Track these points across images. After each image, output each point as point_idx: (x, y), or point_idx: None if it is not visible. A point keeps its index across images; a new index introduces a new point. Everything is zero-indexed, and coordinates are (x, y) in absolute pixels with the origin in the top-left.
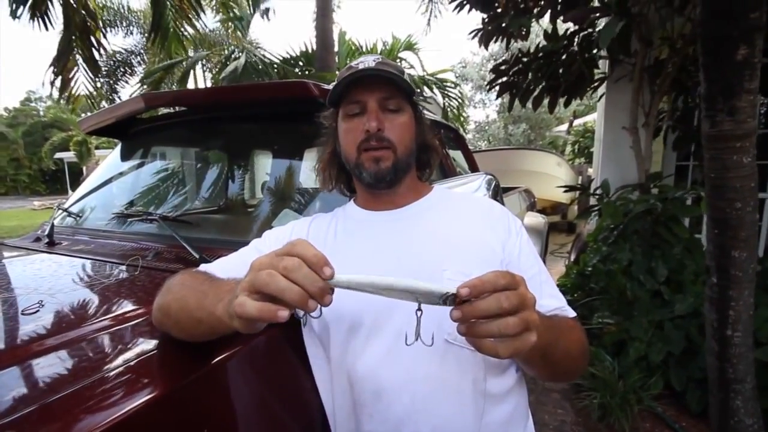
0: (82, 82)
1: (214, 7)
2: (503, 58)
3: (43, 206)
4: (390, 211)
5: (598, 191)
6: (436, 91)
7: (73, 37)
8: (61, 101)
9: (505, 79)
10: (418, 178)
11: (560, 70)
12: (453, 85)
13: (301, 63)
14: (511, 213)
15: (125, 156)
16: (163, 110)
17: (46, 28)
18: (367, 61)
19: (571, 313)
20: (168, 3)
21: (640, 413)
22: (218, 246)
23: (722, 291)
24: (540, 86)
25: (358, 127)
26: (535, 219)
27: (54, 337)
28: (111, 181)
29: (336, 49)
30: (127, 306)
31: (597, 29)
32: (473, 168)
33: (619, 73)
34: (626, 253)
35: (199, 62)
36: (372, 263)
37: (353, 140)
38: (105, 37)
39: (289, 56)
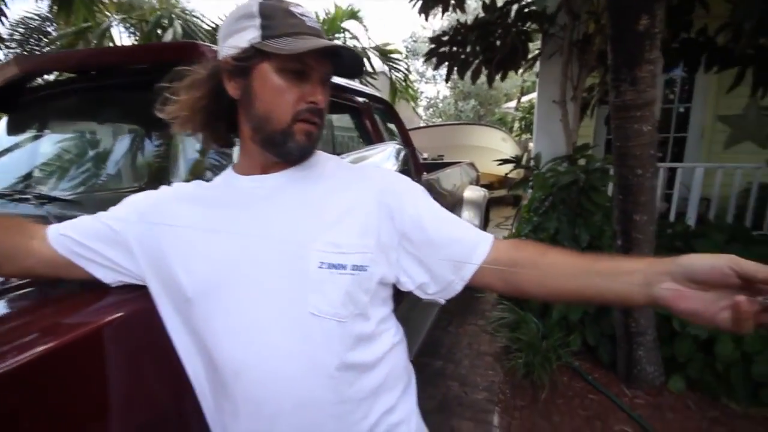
0: None
1: None
2: (444, 30)
3: None
4: (270, 174)
5: (531, 164)
6: (383, 64)
7: None
8: None
9: (444, 50)
10: None
11: (496, 43)
12: (400, 59)
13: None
14: (405, 178)
15: (12, 130)
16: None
17: None
18: (309, 18)
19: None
20: None
21: (559, 368)
22: None
23: (626, 252)
24: (477, 58)
25: (297, 91)
26: (475, 192)
27: None
28: None
29: None
30: None
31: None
32: (406, 141)
33: (551, 47)
34: (553, 222)
35: (121, 27)
36: (236, 238)
37: (290, 104)
38: (5, 4)
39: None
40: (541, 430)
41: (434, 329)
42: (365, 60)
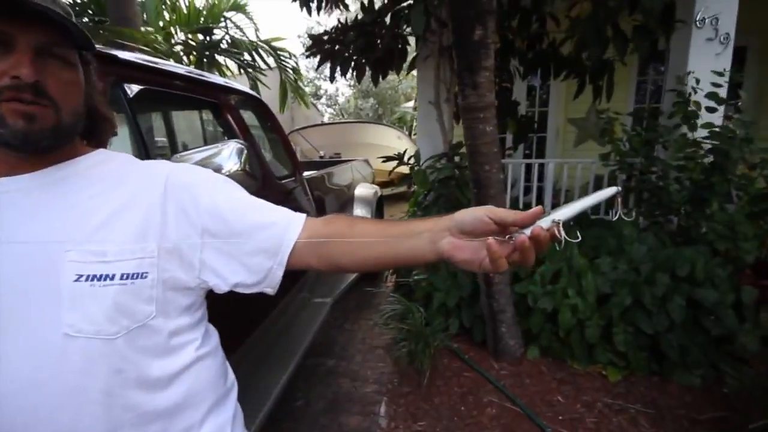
0: None
1: None
2: (326, 29)
3: None
4: (25, 175)
5: (410, 161)
6: (271, 60)
7: None
8: None
9: (327, 48)
10: (86, 144)
11: (377, 43)
12: (288, 55)
13: (90, 11)
14: (198, 168)
15: None
16: None
17: None
18: None
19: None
20: None
21: (440, 352)
22: None
23: None
24: (357, 58)
25: None
26: (366, 189)
27: None
28: None
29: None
30: None
31: (406, 3)
32: (283, 139)
33: (425, 51)
34: (434, 214)
35: None
36: None
37: None
38: None
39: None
40: (423, 413)
41: (329, 328)
42: (257, 55)
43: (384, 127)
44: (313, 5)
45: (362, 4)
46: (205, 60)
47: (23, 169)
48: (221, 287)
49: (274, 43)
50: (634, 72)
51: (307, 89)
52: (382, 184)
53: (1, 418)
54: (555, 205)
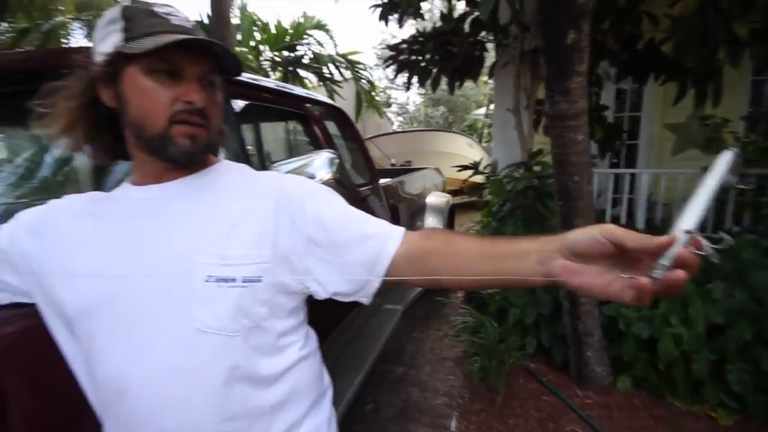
0: None
1: None
2: (404, 39)
3: None
4: (162, 184)
5: (487, 170)
6: (348, 71)
7: None
8: None
9: (404, 58)
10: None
11: (451, 52)
12: (364, 67)
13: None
14: (306, 181)
15: None
16: None
17: None
18: (179, 17)
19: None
20: None
21: (515, 371)
22: None
23: None
24: (436, 67)
25: (170, 92)
26: (438, 198)
27: None
28: None
29: (238, 22)
30: None
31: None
32: (362, 148)
33: (505, 58)
34: (511, 226)
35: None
36: (121, 248)
37: (163, 106)
38: None
39: None
40: None
41: (399, 335)
42: (333, 68)
43: (455, 134)
44: (393, 17)
45: (441, 13)
46: (288, 74)
47: (167, 178)
48: (320, 294)
49: (351, 57)
50: (747, 71)
51: (377, 98)
52: (452, 193)
53: (131, 402)
54: (650, 220)
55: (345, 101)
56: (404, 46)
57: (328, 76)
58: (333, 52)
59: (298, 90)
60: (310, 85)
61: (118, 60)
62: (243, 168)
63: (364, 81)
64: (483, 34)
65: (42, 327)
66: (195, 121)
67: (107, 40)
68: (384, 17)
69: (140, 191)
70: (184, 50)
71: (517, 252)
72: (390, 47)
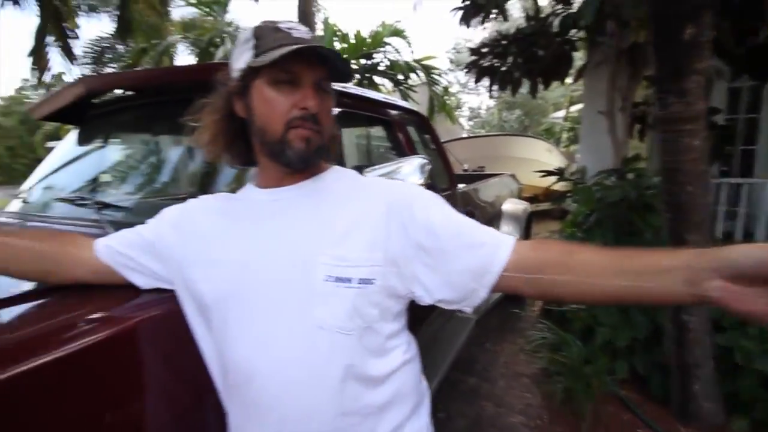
0: (59, 68)
1: None
2: (484, 41)
3: None
4: (284, 187)
5: (574, 176)
6: (423, 77)
7: (48, 29)
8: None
9: (483, 62)
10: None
11: (539, 53)
12: (439, 72)
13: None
14: (416, 187)
15: (81, 142)
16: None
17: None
18: (300, 31)
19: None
20: None
21: (604, 397)
22: None
23: None
24: (518, 70)
25: (288, 100)
26: (515, 205)
27: None
28: (63, 167)
29: (321, 34)
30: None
31: (575, 8)
32: (441, 153)
33: (598, 57)
34: (598, 239)
35: (179, 45)
36: (251, 246)
37: (282, 113)
38: (75, 25)
39: None
40: None
41: (469, 345)
42: (410, 73)
43: (532, 139)
44: (476, 20)
45: (527, 14)
46: (365, 80)
47: (287, 182)
48: (425, 300)
49: (425, 62)
50: None
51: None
52: (526, 201)
53: (257, 388)
54: None
55: (418, 105)
56: (485, 50)
57: (402, 81)
58: (410, 58)
59: (380, 96)
60: (384, 91)
61: (249, 74)
62: (353, 173)
63: (438, 86)
64: (573, 33)
65: (179, 311)
66: (309, 126)
67: (241, 58)
68: (466, 20)
69: (264, 193)
70: (301, 59)
71: (656, 268)
72: (471, 51)
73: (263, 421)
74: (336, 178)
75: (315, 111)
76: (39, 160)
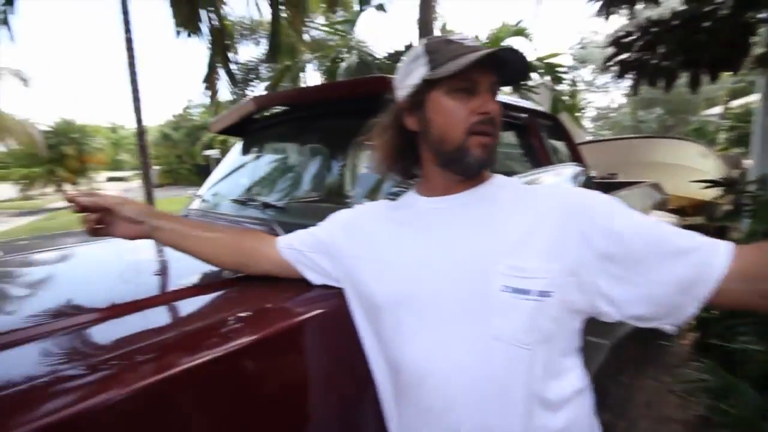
0: (223, 91)
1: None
2: (627, 30)
3: (195, 194)
4: (452, 195)
5: (751, 187)
6: (545, 77)
7: (217, 58)
8: (208, 107)
9: (627, 56)
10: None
11: (703, 40)
12: (565, 70)
13: (404, 58)
14: (593, 192)
15: (245, 151)
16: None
17: (197, 36)
18: (470, 40)
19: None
20: (283, 21)
21: None
22: None
23: None
24: (674, 61)
25: (467, 107)
26: (662, 220)
27: (175, 292)
28: (233, 172)
29: None
30: (221, 274)
31: None
32: (576, 159)
33: None
34: None
35: (311, 63)
36: (424, 252)
37: (461, 120)
38: (236, 52)
39: (394, 52)
40: None
41: (599, 374)
42: (534, 73)
43: (679, 141)
44: (618, 9)
45: None
46: None
47: (454, 191)
48: (612, 316)
49: (550, 60)
50: None
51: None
52: (672, 213)
53: (429, 390)
54: None
55: (540, 107)
56: (629, 39)
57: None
58: (532, 57)
59: (511, 99)
60: (501, 92)
61: (423, 89)
62: (517, 181)
63: (564, 85)
64: (753, 13)
65: (344, 308)
66: (488, 131)
67: (414, 74)
68: (606, 9)
69: (430, 202)
70: (479, 66)
71: None
72: (612, 43)
73: (437, 425)
74: (501, 185)
75: (494, 115)
76: (198, 166)
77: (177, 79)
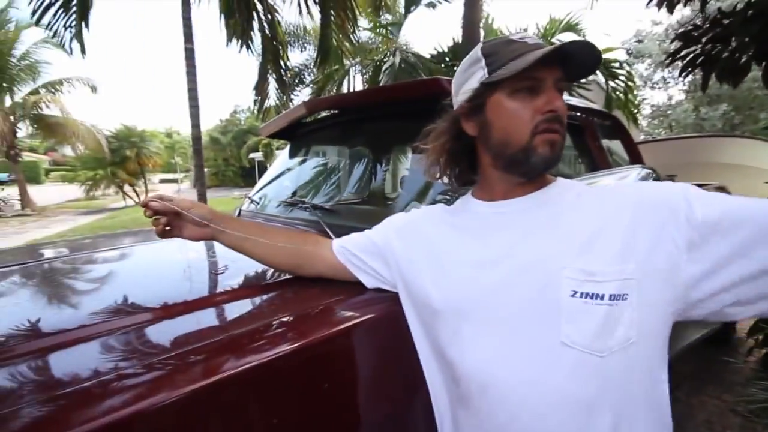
0: (273, 97)
1: (365, 16)
2: (693, 22)
3: (241, 196)
4: (511, 200)
5: None
6: (598, 74)
7: (268, 66)
8: (255, 112)
9: (693, 50)
10: None
11: None
12: (619, 65)
13: (447, 59)
14: (663, 183)
15: (293, 154)
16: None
17: (250, 50)
18: (532, 38)
19: None
20: (333, 26)
21: None
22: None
23: None
24: (747, 55)
25: (530, 106)
26: None
27: (232, 292)
28: (281, 175)
29: (483, 39)
30: (276, 275)
31: None
32: (636, 161)
33: None
34: None
35: (354, 67)
36: (485, 257)
37: (527, 121)
38: (288, 60)
39: (437, 52)
40: None
41: None
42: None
43: (749, 140)
44: (686, 3)
45: None
46: None
47: (513, 195)
48: (734, 315)
49: (604, 55)
50: None
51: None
52: None
53: (492, 399)
54: None
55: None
56: (697, 33)
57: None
58: None
59: (570, 99)
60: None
61: (483, 92)
62: (579, 184)
63: (619, 82)
64: None
65: (397, 312)
66: (555, 129)
67: (472, 79)
68: (670, 2)
69: (489, 206)
70: (542, 63)
71: None
72: (679, 36)
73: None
74: (564, 188)
75: (560, 112)
76: (243, 168)
77: (225, 84)
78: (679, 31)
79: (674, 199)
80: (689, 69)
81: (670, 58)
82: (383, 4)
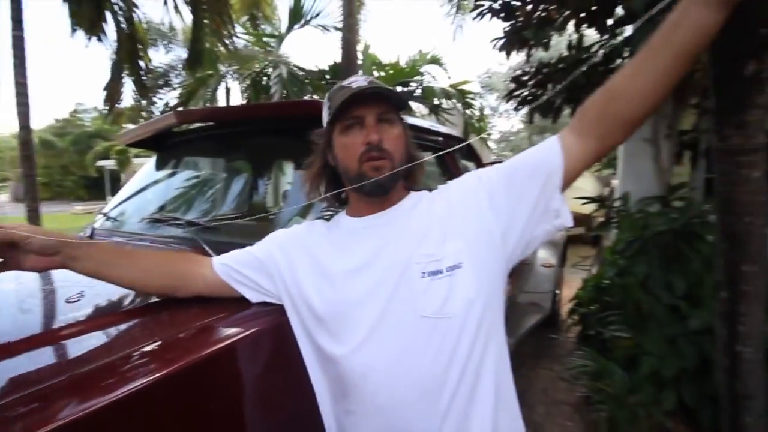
0: (129, 99)
1: (244, 24)
2: (524, 69)
3: (84, 211)
4: (373, 215)
5: (617, 203)
6: (457, 102)
7: (124, 65)
8: (105, 114)
9: (523, 91)
10: (404, 187)
11: (582, 82)
12: (474, 97)
13: (327, 76)
14: (468, 174)
15: (160, 166)
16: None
17: (100, 40)
18: (359, 81)
19: None
20: (206, 27)
21: (650, 429)
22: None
23: (732, 306)
24: (560, 98)
25: (357, 140)
26: None
27: (90, 322)
28: (146, 188)
29: (360, 62)
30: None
31: (619, 38)
32: None
33: None
34: (643, 266)
35: (230, 75)
36: (355, 264)
37: (354, 152)
38: (149, 60)
39: (318, 70)
40: None
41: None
42: (446, 99)
43: None
44: (517, 52)
45: (569, 43)
46: None
47: (374, 211)
48: (522, 240)
49: (461, 87)
50: None
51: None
52: None
53: (372, 382)
54: None
55: (456, 129)
56: (525, 78)
57: (437, 105)
58: (446, 84)
59: (428, 124)
60: (418, 115)
61: (329, 130)
62: (426, 192)
63: (474, 110)
64: (619, 61)
65: (283, 322)
66: (375, 156)
67: (325, 118)
68: (507, 49)
69: (357, 221)
70: (360, 102)
71: (677, 21)
72: (512, 80)
73: (383, 410)
74: (416, 199)
75: (377, 142)
76: (88, 178)
77: (62, 78)
78: (513, 74)
79: (477, 178)
80: (520, 106)
81: (508, 97)
82: (262, 15)
